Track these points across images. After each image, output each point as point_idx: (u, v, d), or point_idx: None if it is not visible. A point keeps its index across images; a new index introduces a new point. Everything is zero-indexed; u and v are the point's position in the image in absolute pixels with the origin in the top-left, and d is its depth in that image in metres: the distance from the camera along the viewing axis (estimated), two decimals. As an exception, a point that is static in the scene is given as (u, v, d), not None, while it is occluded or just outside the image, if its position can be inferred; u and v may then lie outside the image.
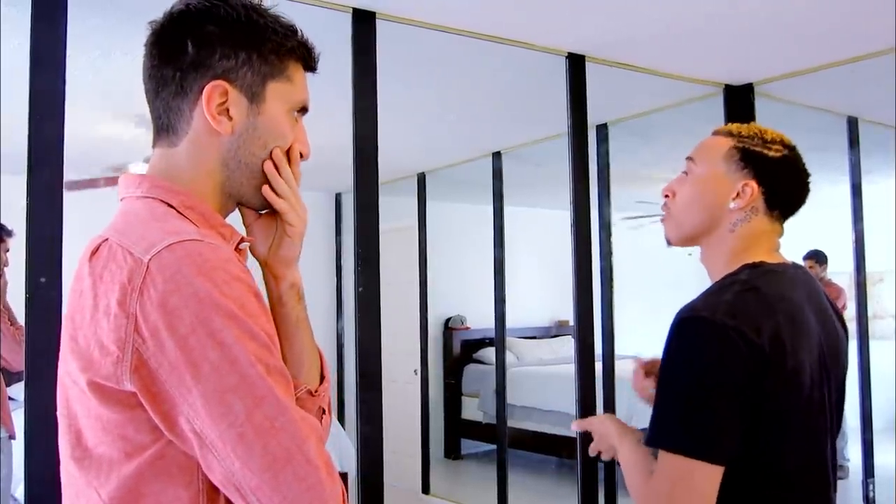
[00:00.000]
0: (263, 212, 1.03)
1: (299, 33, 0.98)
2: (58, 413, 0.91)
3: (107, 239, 0.87)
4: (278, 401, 0.81)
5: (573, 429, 1.60)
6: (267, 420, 0.80)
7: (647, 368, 1.53)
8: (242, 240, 0.98)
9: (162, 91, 0.94)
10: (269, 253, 1.02)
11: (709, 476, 1.17)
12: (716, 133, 1.42)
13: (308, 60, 1.00)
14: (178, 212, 0.92)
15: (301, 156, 1.01)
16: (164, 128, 0.96)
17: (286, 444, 0.80)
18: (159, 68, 0.94)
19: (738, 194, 1.34)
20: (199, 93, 0.93)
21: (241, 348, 0.80)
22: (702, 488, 1.17)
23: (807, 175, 1.38)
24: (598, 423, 1.48)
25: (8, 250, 3.09)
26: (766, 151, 1.35)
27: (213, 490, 0.84)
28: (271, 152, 0.98)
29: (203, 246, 0.83)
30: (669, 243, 1.45)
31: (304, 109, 1.01)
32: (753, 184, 1.33)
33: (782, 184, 1.35)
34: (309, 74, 1.02)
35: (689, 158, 1.42)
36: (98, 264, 0.85)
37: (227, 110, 0.93)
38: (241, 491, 0.80)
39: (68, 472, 0.89)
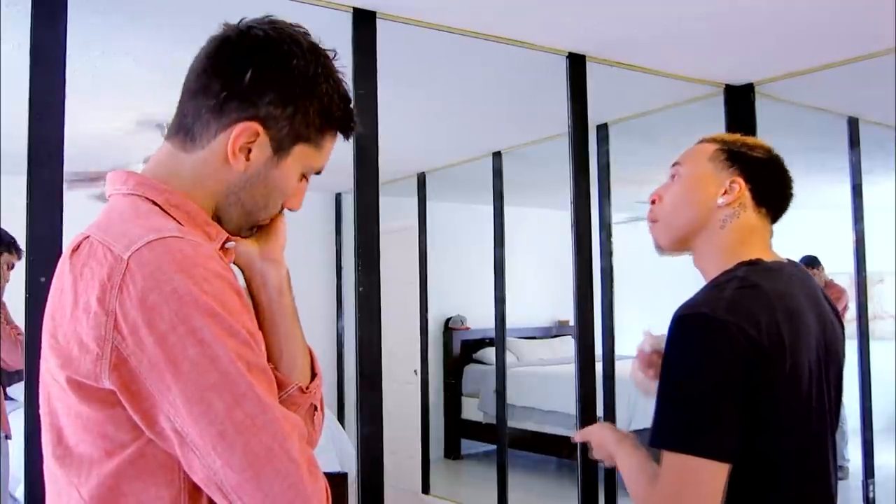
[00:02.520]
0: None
1: (351, 104, 0.98)
2: (40, 411, 0.90)
3: (88, 236, 0.86)
4: (259, 398, 0.81)
5: (574, 440, 1.60)
6: (248, 418, 0.79)
7: (652, 357, 1.51)
8: (228, 238, 0.98)
9: (200, 98, 0.93)
10: (260, 243, 1.03)
11: (716, 474, 1.16)
12: (701, 141, 1.46)
13: (344, 132, 1.00)
14: (163, 209, 0.91)
15: (290, 208, 1.02)
16: (185, 129, 0.95)
17: (267, 441, 0.79)
18: (209, 76, 0.93)
19: (725, 191, 1.36)
20: (234, 123, 0.92)
21: (221, 345, 0.80)
22: (709, 487, 1.16)
23: (790, 178, 1.41)
24: (596, 432, 1.48)
25: (12, 267, 3.01)
26: (750, 152, 1.39)
27: (194, 489, 0.83)
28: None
29: (183, 243, 0.83)
30: (661, 249, 1.45)
31: (317, 173, 1.02)
32: (740, 180, 1.36)
33: (768, 182, 1.39)
34: None
35: (676, 164, 1.44)
36: (78, 261, 0.84)
37: (249, 150, 0.93)
38: (222, 490, 0.80)
39: (50, 470, 0.89)
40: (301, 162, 0.97)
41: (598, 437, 1.45)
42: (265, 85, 0.91)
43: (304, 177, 1.00)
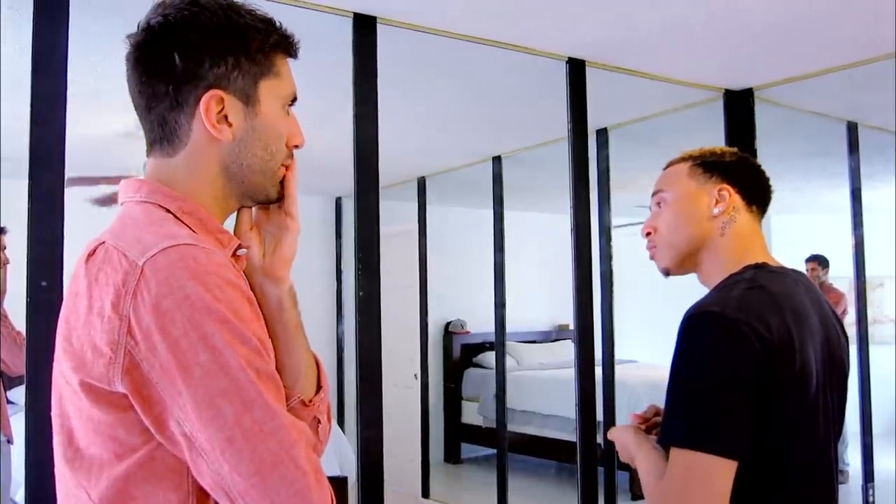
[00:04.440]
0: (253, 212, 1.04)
1: (278, 24, 0.98)
2: (52, 413, 0.91)
3: (103, 242, 0.87)
4: (268, 405, 0.81)
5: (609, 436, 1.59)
6: (256, 424, 0.80)
7: (648, 425, 1.50)
8: (240, 246, 0.98)
9: (156, 106, 0.94)
10: (266, 257, 1.02)
11: (724, 471, 1.16)
12: (670, 164, 1.48)
13: (290, 50, 1.00)
14: (176, 217, 0.92)
15: (296, 146, 1.02)
16: (159, 140, 0.96)
17: (274, 448, 0.80)
18: (149, 84, 0.93)
19: (717, 200, 1.39)
20: (196, 104, 0.92)
21: (232, 352, 0.81)
22: (717, 484, 1.16)
23: (764, 172, 1.46)
24: (618, 434, 1.48)
25: (5, 247, 3.06)
26: (723, 159, 1.43)
27: (202, 493, 0.84)
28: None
29: (197, 250, 0.84)
30: (667, 273, 1.46)
31: (294, 100, 1.02)
32: (727, 186, 1.39)
33: (750, 180, 1.43)
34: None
35: (657, 192, 1.46)
36: (94, 266, 0.85)
37: (226, 117, 0.94)
38: (229, 495, 0.80)
39: (60, 472, 0.90)
40: (273, 97, 0.97)
41: (621, 440, 1.45)
42: (196, 55, 0.92)
43: (287, 111, 1.01)
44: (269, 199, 1.01)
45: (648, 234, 1.46)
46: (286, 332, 1.00)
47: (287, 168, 1.01)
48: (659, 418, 1.44)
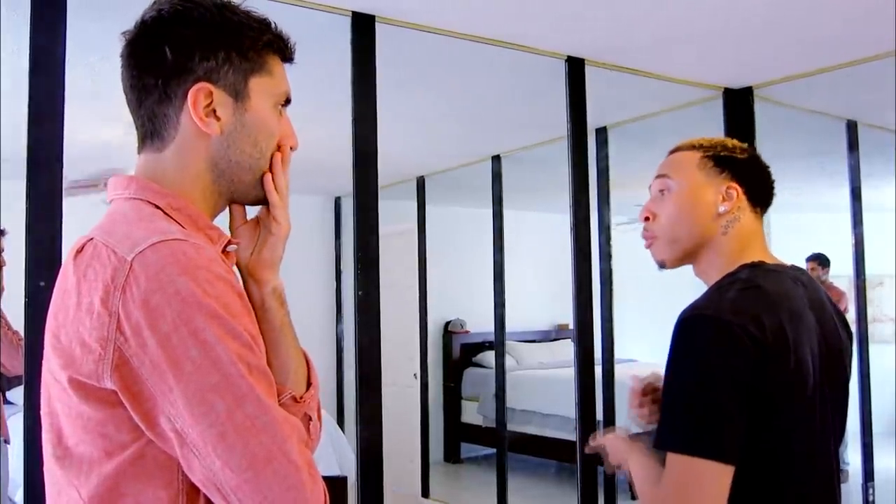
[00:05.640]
0: (253, 212, 1.04)
1: (273, 26, 0.98)
2: (41, 412, 0.91)
3: (92, 238, 0.87)
4: (259, 400, 0.81)
5: (588, 450, 1.59)
6: (248, 419, 0.80)
7: (646, 388, 1.51)
8: (230, 242, 0.98)
9: (146, 100, 0.94)
10: (251, 257, 1.02)
11: (720, 476, 1.16)
12: (679, 149, 1.45)
13: (285, 52, 1.00)
14: (165, 213, 0.92)
15: (290, 148, 1.02)
16: (150, 135, 0.96)
17: (267, 443, 0.80)
18: (139, 78, 0.94)
19: (724, 197, 1.37)
20: (184, 97, 0.92)
21: (223, 347, 0.80)
22: (713, 489, 1.16)
23: (770, 172, 1.44)
24: (609, 441, 1.48)
25: (2, 250, 3.05)
26: (735, 155, 1.41)
27: (193, 490, 0.83)
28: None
29: (187, 245, 0.83)
30: (663, 266, 1.43)
31: (287, 101, 1.01)
32: (735, 184, 1.37)
33: (757, 180, 1.41)
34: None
35: (662, 176, 1.43)
36: (82, 263, 0.85)
37: (214, 111, 0.93)
38: (221, 491, 0.80)
39: (50, 470, 0.89)
40: (264, 94, 0.97)
41: (613, 445, 1.45)
42: (187, 49, 0.92)
43: (281, 112, 1.00)
44: (258, 200, 1.01)
45: (647, 218, 1.43)
46: (272, 332, 1.00)
47: (271, 166, 1.00)
48: (659, 383, 1.44)
